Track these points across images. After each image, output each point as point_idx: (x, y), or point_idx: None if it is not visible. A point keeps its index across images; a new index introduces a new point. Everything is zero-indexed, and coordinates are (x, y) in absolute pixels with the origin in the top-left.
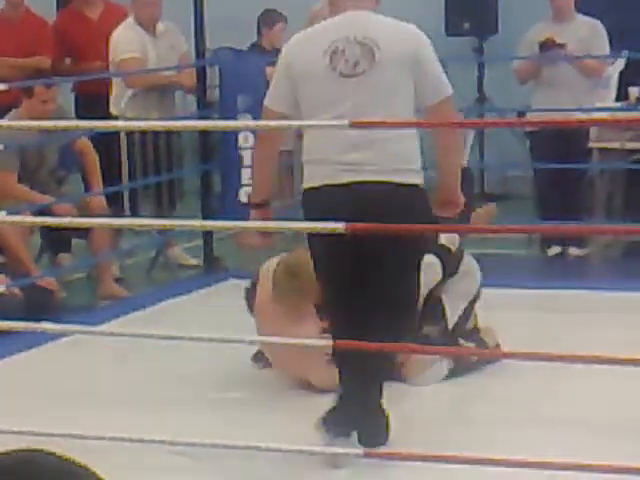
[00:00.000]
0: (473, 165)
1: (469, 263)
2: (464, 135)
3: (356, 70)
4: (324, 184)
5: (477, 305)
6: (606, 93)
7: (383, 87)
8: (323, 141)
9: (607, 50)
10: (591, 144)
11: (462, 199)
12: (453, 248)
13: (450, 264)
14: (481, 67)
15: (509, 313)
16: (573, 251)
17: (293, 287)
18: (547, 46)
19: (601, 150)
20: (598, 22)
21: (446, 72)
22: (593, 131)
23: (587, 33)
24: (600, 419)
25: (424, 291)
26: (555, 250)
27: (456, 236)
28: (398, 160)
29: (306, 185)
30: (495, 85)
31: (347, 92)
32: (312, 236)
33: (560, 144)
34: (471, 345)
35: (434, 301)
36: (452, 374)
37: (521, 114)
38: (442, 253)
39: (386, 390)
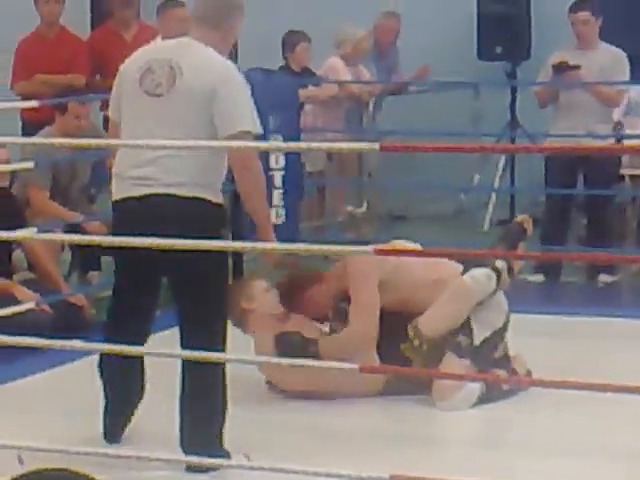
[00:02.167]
0: (504, 190)
1: (499, 296)
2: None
3: (156, 91)
4: (122, 197)
5: (506, 335)
6: (637, 120)
7: (175, 112)
8: (124, 157)
9: (627, 79)
10: (622, 171)
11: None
12: (503, 273)
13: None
14: (513, 92)
15: (538, 340)
16: (603, 278)
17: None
18: (561, 69)
19: (632, 177)
20: (621, 51)
21: (477, 95)
22: (625, 158)
23: (609, 62)
24: (631, 449)
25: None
26: (605, 278)
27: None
28: (178, 175)
29: (112, 198)
30: (527, 110)
31: (148, 110)
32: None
33: (576, 170)
34: (502, 373)
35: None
36: (482, 400)
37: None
38: (498, 275)
39: (416, 415)
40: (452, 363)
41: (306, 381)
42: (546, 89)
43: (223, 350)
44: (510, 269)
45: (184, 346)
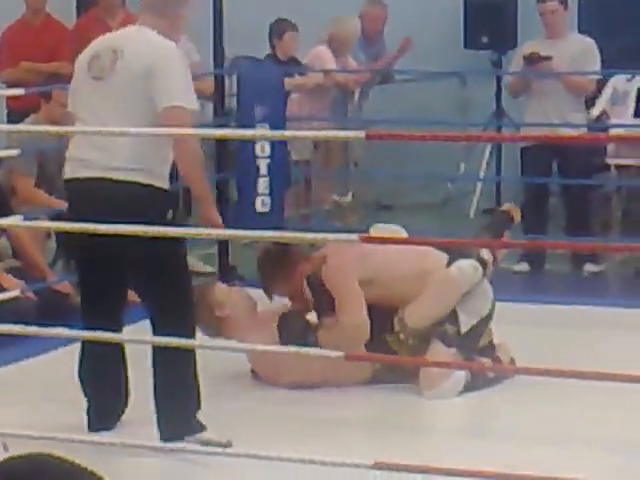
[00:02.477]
0: (490, 178)
1: (484, 284)
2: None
3: (100, 74)
4: (69, 177)
5: (491, 323)
6: (624, 109)
7: (116, 92)
8: (75, 140)
9: (598, 68)
10: (608, 160)
11: (217, 219)
12: (489, 264)
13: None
14: (499, 81)
15: (522, 328)
16: (588, 267)
17: None
18: (532, 60)
19: (618, 167)
20: (591, 40)
21: (464, 84)
22: (610, 147)
23: (579, 51)
24: (616, 438)
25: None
26: (590, 268)
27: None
28: (114, 159)
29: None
30: (513, 99)
31: (93, 93)
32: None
33: (551, 159)
34: (487, 361)
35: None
36: (468, 388)
37: None
38: (484, 266)
39: (402, 403)
40: (439, 352)
41: (295, 372)
42: (517, 79)
43: (191, 333)
44: (494, 258)
45: (154, 334)
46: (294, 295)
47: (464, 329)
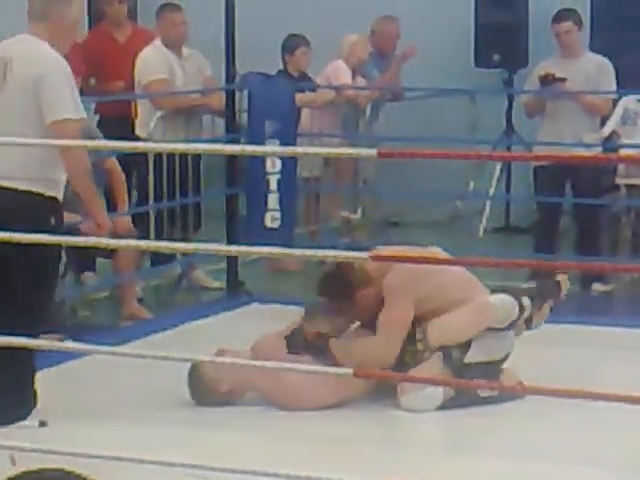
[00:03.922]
0: (500, 197)
1: (511, 335)
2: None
3: None
4: None
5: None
6: (635, 129)
7: (7, 104)
8: None
9: (613, 88)
10: (618, 180)
11: (106, 223)
12: (526, 312)
13: (514, 323)
14: (510, 99)
15: (529, 347)
16: (597, 287)
17: None
18: (547, 80)
19: (628, 187)
20: (606, 60)
21: (474, 102)
22: (621, 168)
23: (594, 71)
24: (618, 458)
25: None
26: (599, 287)
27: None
28: (12, 169)
29: None
30: (523, 118)
31: None
32: None
33: (564, 179)
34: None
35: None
36: (451, 404)
37: None
38: (521, 309)
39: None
40: (433, 367)
41: (307, 398)
42: (533, 99)
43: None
44: (530, 319)
45: None
46: (362, 317)
47: (468, 360)
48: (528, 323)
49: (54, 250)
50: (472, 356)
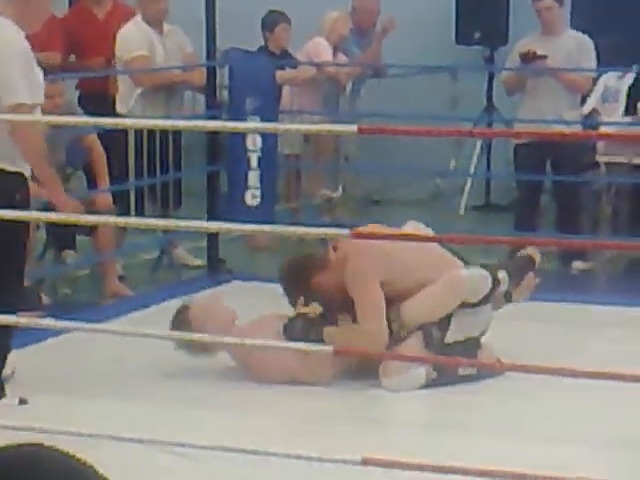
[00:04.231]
0: (480, 175)
1: (487, 310)
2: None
3: None
4: None
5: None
6: (615, 107)
7: None
8: None
9: (594, 65)
10: (598, 158)
11: (66, 204)
12: (502, 285)
13: (490, 296)
14: (491, 77)
15: (509, 325)
16: (577, 264)
17: None
18: (528, 58)
19: (608, 164)
20: (586, 37)
21: (455, 80)
22: (601, 145)
23: (575, 48)
24: (598, 434)
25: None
26: (578, 265)
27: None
28: None
29: None
30: (504, 95)
31: None
32: None
33: (544, 156)
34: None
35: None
36: (436, 384)
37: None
38: (495, 283)
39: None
40: (415, 347)
41: (278, 370)
42: (513, 77)
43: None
44: (508, 294)
45: None
46: (322, 301)
47: (448, 340)
48: (508, 297)
49: (19, 227)
50: (451, 335)
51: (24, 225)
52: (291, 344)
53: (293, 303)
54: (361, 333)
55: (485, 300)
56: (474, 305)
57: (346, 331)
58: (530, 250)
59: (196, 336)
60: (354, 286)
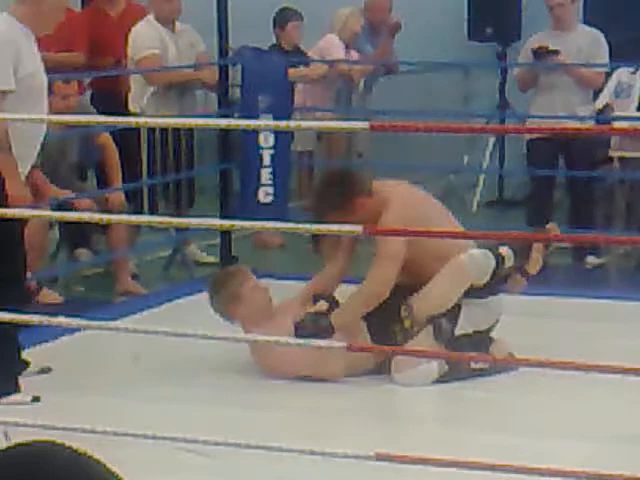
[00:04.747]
0: (493, 171)
1: (498, 300)
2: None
3: None
4: None
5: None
6: (628, 102)
7: None
8: None
9: (606, 60)
10: (611, 153)
11: (20, 196)
12: (507, 261)
13: (498, 275)
14: (503, 73)
15: (523, 320)
16: (591, 260)
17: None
18: (540, 53)
19: (621, 159)
20: (599, 33)
21: (467, 76)
22: (614, 140)
23: (587, 43)
24: (612, 430)
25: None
26: (592, 260)
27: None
28: None
29: None
30: (517, 91)
31: None
32: None
33: (557, 151)
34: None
35: (458, 301)
36: (448, 379)
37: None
38: (499, 260)
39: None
40: (425, 341)
41: (298, 364)
42: (526, 73)
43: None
44: (524, 271)
45: None
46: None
47: (458, 332)
48: (524, 273)
49: (8, 224)
50: (462, 327)
51: (12, 223)
52: (303, 341)
53: (321, 218)
54: (363, 292)
55: (494, 289)
56: (483, 293)
57: (349, 301)
58: (551, 225)
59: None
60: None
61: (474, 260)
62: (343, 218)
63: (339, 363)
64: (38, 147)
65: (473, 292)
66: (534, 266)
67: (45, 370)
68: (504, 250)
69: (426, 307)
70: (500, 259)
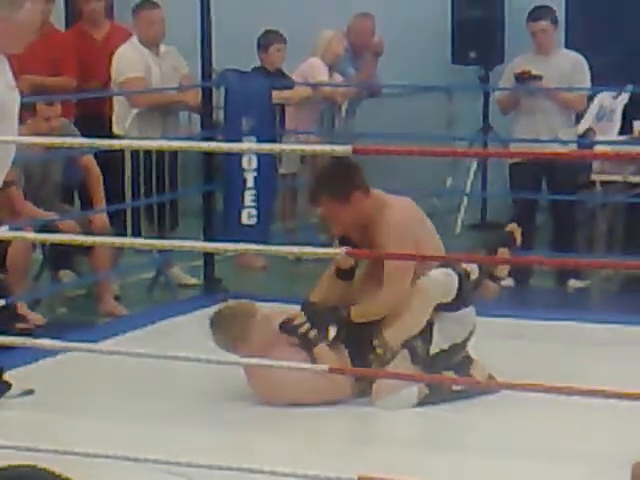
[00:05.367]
0: (476, 194)
1: (469, 312)
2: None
3: None
4: None
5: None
6: (610, 126)
7: None
8: None
9: (588, 84)
10: (593, 176)
11: None
12: (472, 275)
13: (464, 290)
14: (486, 96)
15: (505, 343)
16: (573, 283)
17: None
18: (522, 78)
19: (603, 183)
20: (580, 56)
21: (451, 99)
22: (596, 164)
23: (569, 67)
24: (594, 453)
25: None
26: (574, 284)
27: (475, 267)
28: None
29: None
30: (500, 115)
31: None
32: None
33: (540, 175)
34: (450, 374)
35: (429, 318)
36: (427, 402)
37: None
38: (462, 275)
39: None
40: (402, 366)
41: (294, 390)
42: (508, 96)
43: None
44: (494, 276)
45: None
46: (345, 226)
47: (433, 350)
48: (494, 278)
49: None
50: (435, 345)
51: None
52: (290, 363)
53: (315, 203)
54: (387, 292)
55: (464, 301)
56: (453, 307)
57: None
58: (512, 227)
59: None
60: (392, 238)
61: (436, 283)
62: (337, 208)
63: (349, 381)
64: (6, 170)
65: (443, 307)
66: (502, 269)
67: (28, 392)
68: (468, 265)
69: (397, 334)
70: (464, 274)
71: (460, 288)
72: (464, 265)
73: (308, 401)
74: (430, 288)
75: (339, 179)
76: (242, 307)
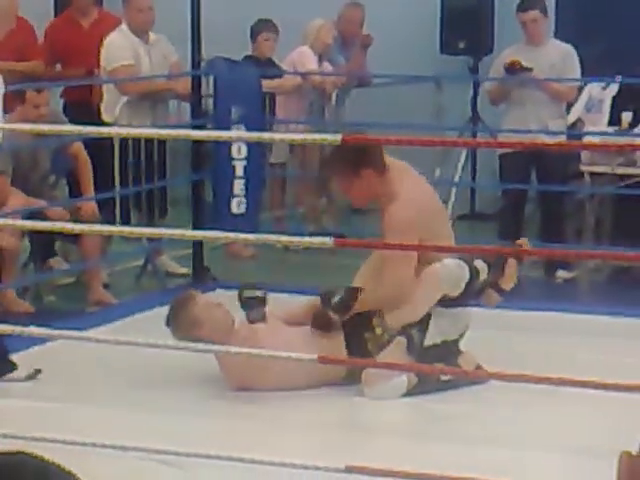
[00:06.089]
0: (465, 184)
1: (467, 311)
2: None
3: None
4: None
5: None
6: (599, 117)
7: None
8: None
9: (578, 75)
10: (582, 167)
11: None
12: (481, 274)
13: (471, 288)
14: (475, 86)
15: (493, 333)
16: (561, 274)
17: None
18: (513, 69)
19: (592, 174)
20: (571, 47)
21: (440, 89)
22: (585, 155)
23: (560, 58)
24: (581, 444)
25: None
26: (563, 274)
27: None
28: None
29: None
30: (489, 105)
31: None
32: None
33: (529, 166)
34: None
35: (429, 309)
36: (417, 392)
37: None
38: (473, 271)
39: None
40: (397, 354)
41: (273, 376)
42: (497, 87)
43: None
44: (498, 287)
45: None
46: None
47: (427, 342)
48: (499, 289)
49: None
50: (431, 337)
51: None
52: (272, 353)
53: (328, 172)
54: (387, 280)
55: (465, 301)
56: (453, 304)
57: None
58: (522, 241)
59: (182, 344)
60: (394, 225)
61: (448, 270)
62: (347, 180)
63: (308, 374)
64: None
65: (444, 302)
66: (508, 282)
67: (35, 372)
68: (478, 263)
69: (399, 316)
70: (474, 272)
71: (468, 285)
72: (476, 263)
73: (288, 386)
74: (442, 275)
75: (354, 151)
76: (182, 297)
